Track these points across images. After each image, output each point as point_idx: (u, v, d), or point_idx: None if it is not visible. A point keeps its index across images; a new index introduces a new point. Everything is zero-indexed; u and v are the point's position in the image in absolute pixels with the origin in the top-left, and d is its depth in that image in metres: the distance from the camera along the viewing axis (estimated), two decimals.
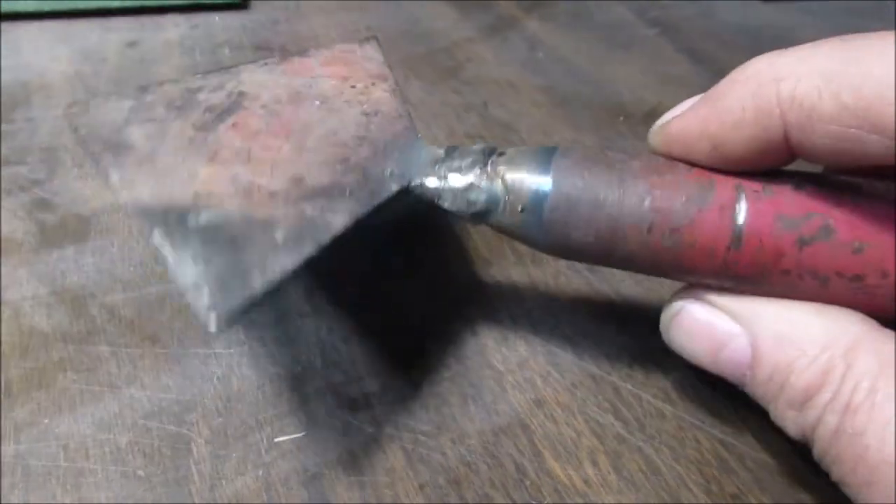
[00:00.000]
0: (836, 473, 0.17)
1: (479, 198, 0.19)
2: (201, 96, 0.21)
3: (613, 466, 0.20)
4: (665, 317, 0.20)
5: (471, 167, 0.20)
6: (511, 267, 0.26)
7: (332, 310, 0.24)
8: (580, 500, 0.20)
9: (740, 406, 0.22)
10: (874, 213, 0.17)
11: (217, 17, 0.41)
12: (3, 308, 0.24)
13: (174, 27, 0.40)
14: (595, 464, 0.20)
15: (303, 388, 0.22)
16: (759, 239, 0.17)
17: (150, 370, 0.22)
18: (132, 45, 0.38)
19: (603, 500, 0.20)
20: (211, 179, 0.18)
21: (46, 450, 0.20)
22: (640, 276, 0.26)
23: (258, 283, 0.16)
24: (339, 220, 0.18)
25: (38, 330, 0.23)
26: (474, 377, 0.22)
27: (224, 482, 0.20)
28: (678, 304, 0.20)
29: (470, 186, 0.20)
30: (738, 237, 0.17)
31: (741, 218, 0.17)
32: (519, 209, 0.19)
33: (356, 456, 0.20)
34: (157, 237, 0.16)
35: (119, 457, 0.20)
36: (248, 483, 0.20)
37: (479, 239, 0.28)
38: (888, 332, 0.17)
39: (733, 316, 0.18)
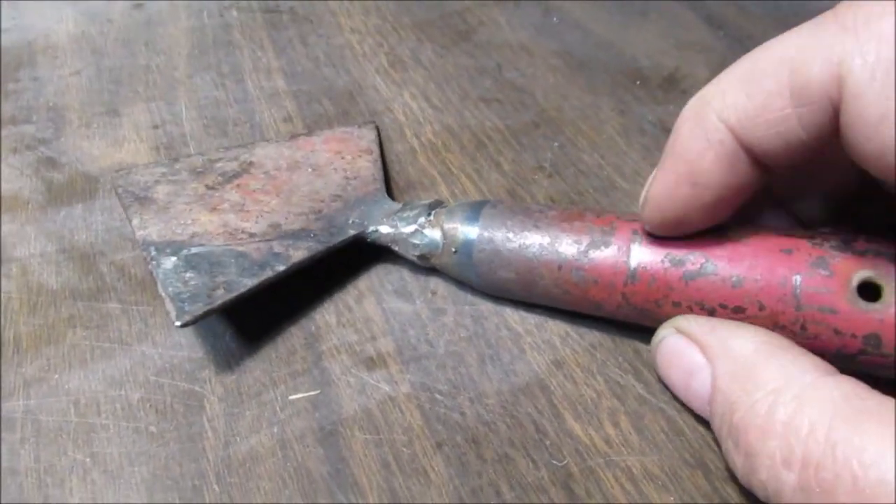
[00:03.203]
0: None
1: (422, 241, 0.22)
2: (219, 164, 0.25)
3: (635, 427, 0.20)
4: (652, 345, 0.20)
5: (417, 217, 0.23)
6: None
7: (346, 269, 0.24)
8: (601, 460, 0.19)
9: None
10: (751, 254, 0.19)
11: None
12: (11, 265, 0.24)
13: None
14: (616, 424, 0.20)
15: (317, 346, 0.22)
16: (651, 275, 0.19)
17: (161, 327, 0.22)
18: (139, 6, 0.37)
19: (625, 459, 0.19)
20: (207, 223, 0.23)
21: (57, 405, 0.20)
22: None
23: (219, 299, 0.20)
24: (298, 254, 0.22)
25: (47, 287, 0.23)
26: (492, 337, 0.22)
27: (238, 439, 0.19)
28: (662, 333, 0.20)
29: (415, 233, 0.23)
30: (632, 274, 0.20)
31: (635, 257, 0.20)
32: (453, 251, 0.22)
33: (372, 414, 0.20)
34: (152, 260, 0.21)
35: (131, 413, 0.20)
36: (263, 440, 0.19)
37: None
38: (842, 379, 0.16)
39: (702, 348, 0.18)
